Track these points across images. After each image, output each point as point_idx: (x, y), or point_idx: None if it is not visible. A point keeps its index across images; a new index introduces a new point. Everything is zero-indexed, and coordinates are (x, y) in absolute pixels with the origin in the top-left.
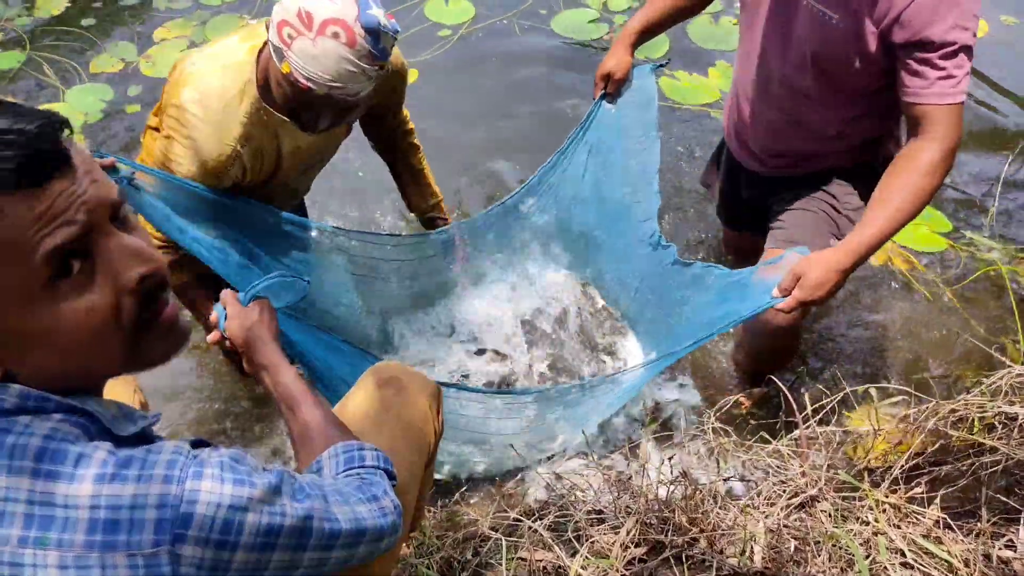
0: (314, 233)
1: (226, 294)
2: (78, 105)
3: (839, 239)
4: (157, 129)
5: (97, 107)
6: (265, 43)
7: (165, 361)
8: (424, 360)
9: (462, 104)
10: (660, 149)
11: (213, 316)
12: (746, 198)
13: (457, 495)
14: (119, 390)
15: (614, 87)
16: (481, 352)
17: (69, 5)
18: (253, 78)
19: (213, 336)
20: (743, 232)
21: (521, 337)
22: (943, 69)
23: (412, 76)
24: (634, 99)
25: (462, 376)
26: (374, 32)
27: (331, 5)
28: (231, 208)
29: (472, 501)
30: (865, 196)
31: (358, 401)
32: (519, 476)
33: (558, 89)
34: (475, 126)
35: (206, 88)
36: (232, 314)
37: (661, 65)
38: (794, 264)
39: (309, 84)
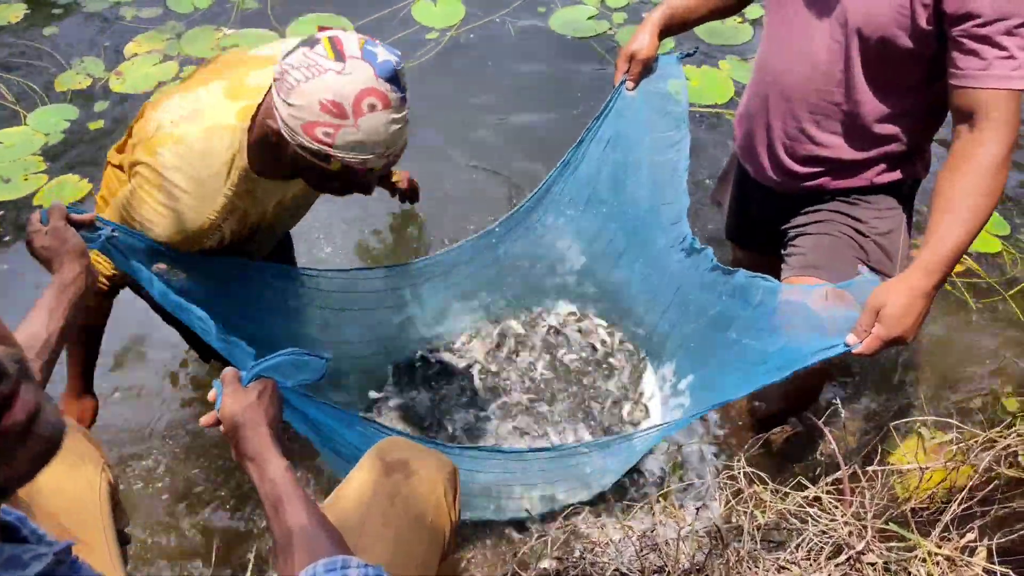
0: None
1: (227, 373)
2: (40, 127)
3: (868, 265)
4: (121, 168)
5: (59, 127)
6: (259, 107)
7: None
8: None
9: (455, 109)
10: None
11: (211, 394)
12: (757, 218)
13: (464, 554)
14: (69, 485)
15: (637, 70)
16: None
17: (28, 12)
18: (244, 146)
19: (207, 419)
20: (753, 252)
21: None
22: (1004, 49)
23: None
24: (660, 89)
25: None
26: (394, 78)
27: (347, 79)
28: (215, 269)
29: (476, 557)
30: (894, 221)
31: (359, 488)
32: (530, 530)
33: (557, 90)
34: (469, 131)
35: (189, 156)
36: (227, 394)
37: (688, 55)
38: (868, 296)
39: (367, 166)
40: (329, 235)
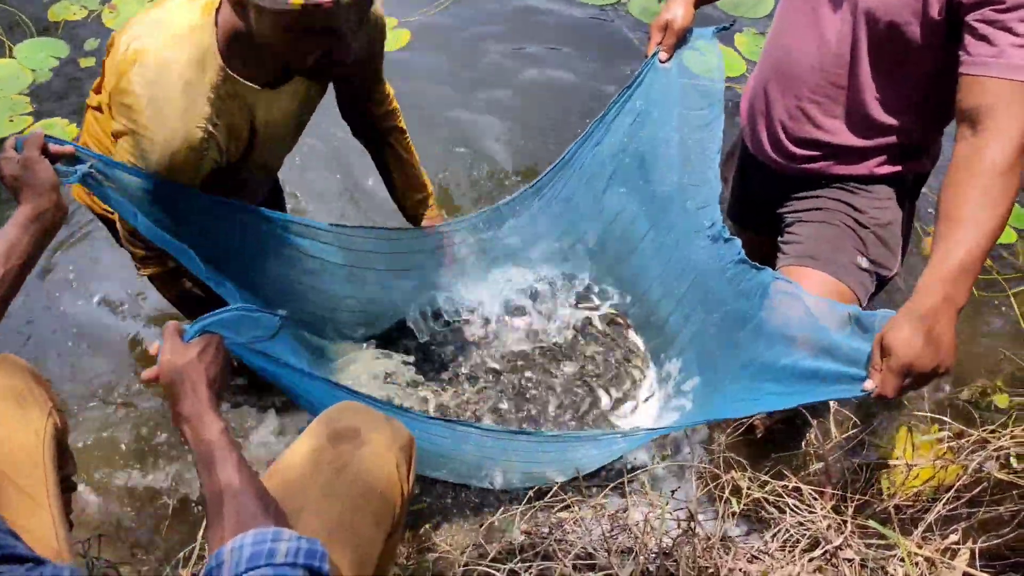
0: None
1: (168, 326)
2: (27, 62)
3: (867, 257)
4: (100, 109)
5: (48, 64)
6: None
7: None
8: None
9: (459, 72)
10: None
11: (154, 347)
12: (755, 197)
13: (429, 524)
14: (11, 426)
15: (672, 41)
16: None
17: None
18: (213, 44)
19: (148, 373)
20: (751, 232)
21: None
22: (1019, 36)
23: (402, 39)
24: (694, 63)
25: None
26: None
27: None
28: (203, 208)
29: (445, 528)
30: (896, 212)
31: (303, 456)
32: (501, 509)
33: (571, 58)
34: (473, 98)
35: (159, 66)
36: (166, 349)
37: (725, 28)
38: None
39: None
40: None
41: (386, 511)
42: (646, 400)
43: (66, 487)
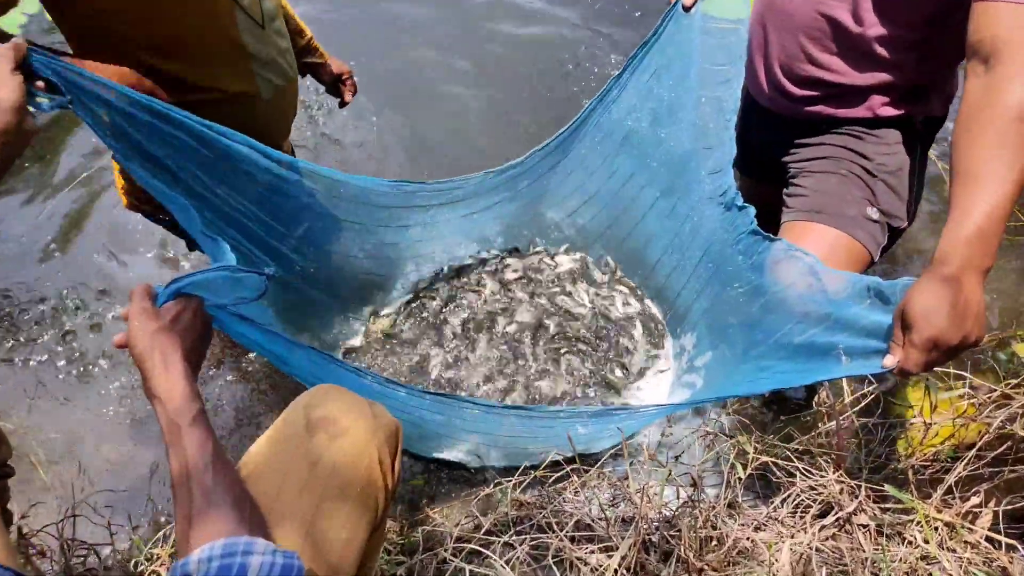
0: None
1: (138, 290)
2: None
3: (878, 208)
4: None
5: (18, 22)
6: None
7: None
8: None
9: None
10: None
11: (124, 311)
12: (755, 143)
13: (424, 499)
14: None
15: None
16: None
17: None
18: None
19: (118, 338)
20: (757, 181)
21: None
22: None
23: None
24: (717, 10)
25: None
26: None
27: None
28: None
29: (439, 504)
30: (904, 158)
31: (276, 448)
32: (496, 482)
33: (576, 7)
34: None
35: None
36: (134, 314)
37: None
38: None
39: None
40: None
41: (367, 506)
42: (661, 372)
43: (2, 473)
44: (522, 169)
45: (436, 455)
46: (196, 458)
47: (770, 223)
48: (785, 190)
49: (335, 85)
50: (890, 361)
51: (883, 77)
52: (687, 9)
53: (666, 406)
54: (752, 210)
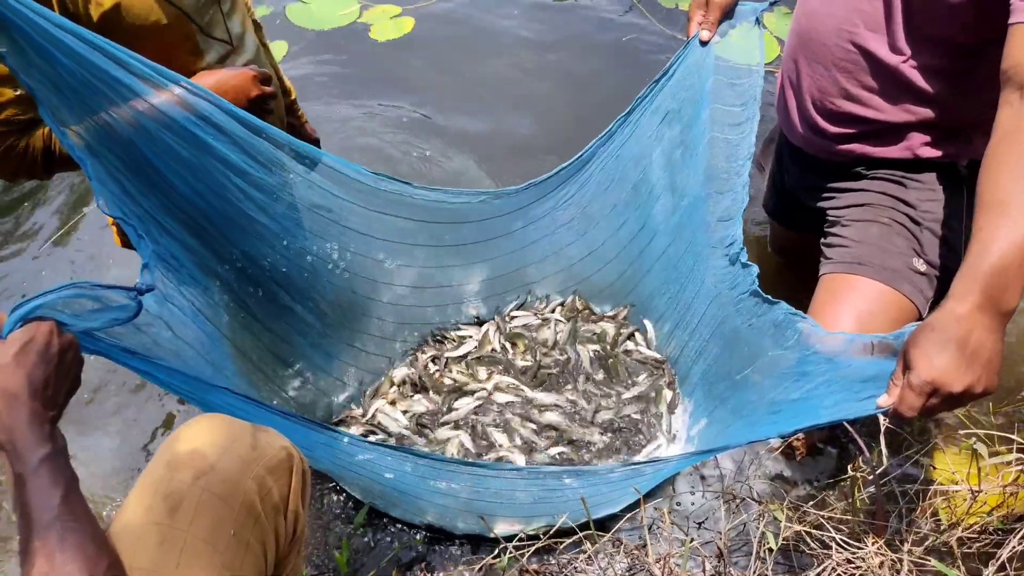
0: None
1: None
2: None
3: (924, 259)
4: None
5: None
6: None
7: None
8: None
9: (468, 66)
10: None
11: None
12: (790, 188)
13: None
14: None
15: (716, 15)
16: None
17: None
18: None
19: None
20: (792, 231)
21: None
22: None
23: (405, 26)
24: (732, 51)
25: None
26: None
27: None
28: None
29: (438, 571)
30: (953, 206)
31: (137, 495)
32: (502, 548)
33: (586, 47)
34: (483, 95)
35: None
36: None
37: (774, 3)
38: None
39: None
40: None
41: (250, 553)
42: (673, 439)
43: None
44: (517, 203)
45: (428, 522)
46: (41, 510)
47: (806, 274)
48: (823, 239)
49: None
50: (884, 401)
51: (922, 113)
52: (704, 43)
53: (660, 461)
54: (755, 269)
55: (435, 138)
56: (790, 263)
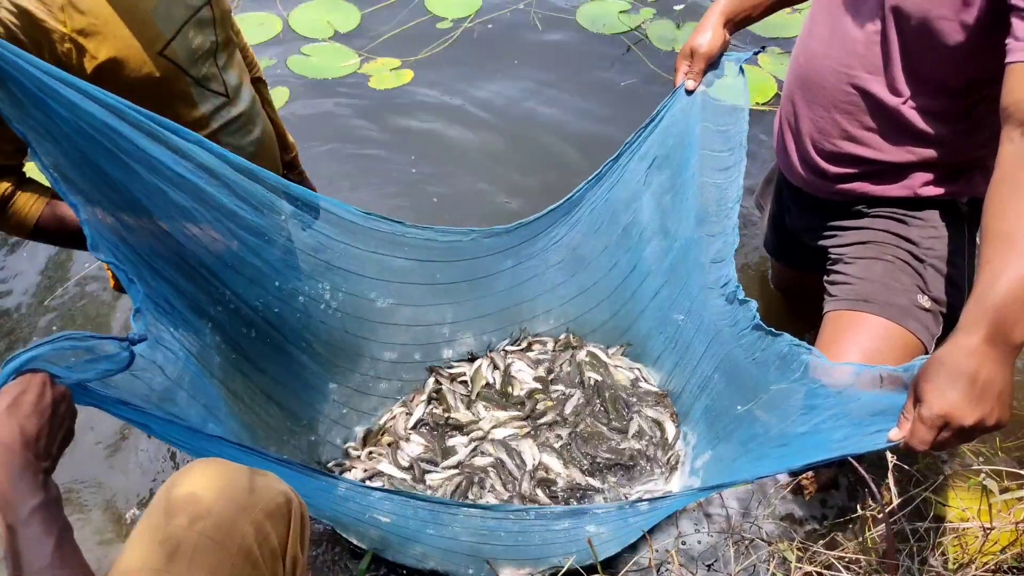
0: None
1: None
2: None
3: (929, 296)
4: None
5: None
6: None
7: None
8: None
9: (464, 114)
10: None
11: None
12: (791, 227)
13: None
14: None
15: (700, 66)
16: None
17: None
18: None
19: None
20: (794, 269)
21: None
22: None
23: (404, 78)
24: (718, 98)
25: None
26: None
27: None
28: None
29: None
30: (955, 243)
31: (134, 542)
32: None
33: (584, 92)
34: (479, 141)
35: None
36: None
37: (756, 53)
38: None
39: None
40: None
41: None
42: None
43: None
44: (507, 243)
45: (431, 567)
46: (32, 561)
47: (809, 311)
48: (826, 277)
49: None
50: (895, 435)
51: (924, 153)
52: (689, 92)
53: (665, 498)
54: (754, 304)
55: (432, 189)
56: (793, 301)
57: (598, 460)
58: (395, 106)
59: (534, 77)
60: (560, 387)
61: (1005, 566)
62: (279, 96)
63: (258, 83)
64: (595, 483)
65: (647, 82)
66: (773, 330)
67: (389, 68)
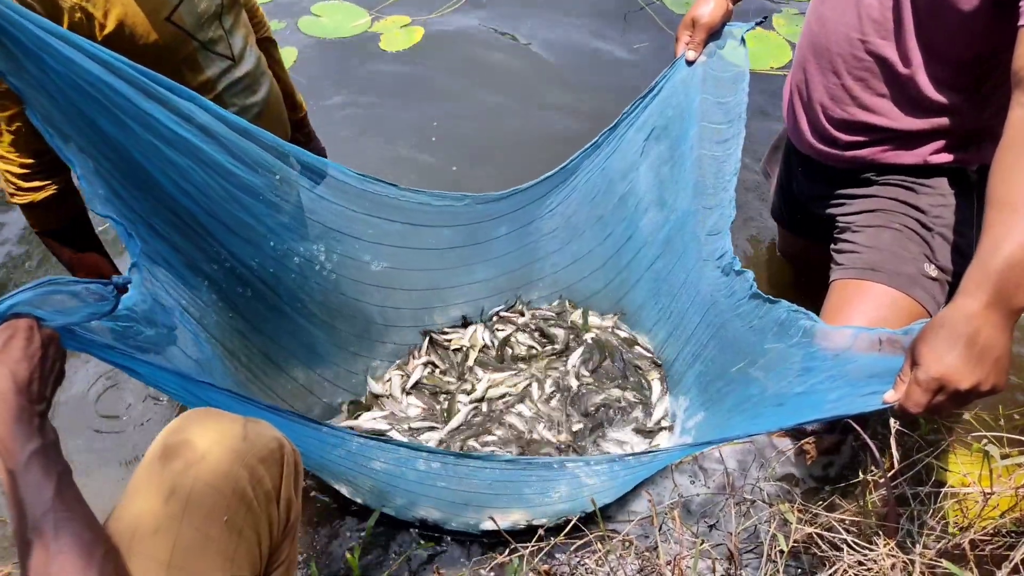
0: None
1: None
2: None
3: (936, 265)
4: None
5: None
6: None
7: None
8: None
9: (475, 71)
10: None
11: None
12: (798, 195)
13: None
14: None
15: (702, 36)
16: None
17: None
18: None
19: None
20: (801, 237)
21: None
22: None
23: (415, 36)
24: (719, 70)
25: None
26: None
27: None
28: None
29: (447, 569)
30: (964, 212)
31: (133, 486)
32: (512, 548)
33: (602, 64)
34: (490, 106)
35: None
36: None
37: (759, 22)
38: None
39: None
40: None
41: (244, 539)
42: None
43: None
44: (501, 209)
45: (421, 517)
46: (34, 505)
47: (815, 279)
48: (833, 246)
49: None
50: (891, 396)
51: (936, 122)
52: (690, 63)
53: (660, 451)
54: (750, 274)
55: (443, 149)
56: (799, 269)
57: (589, 411)
58: (405, 64)
59: (545, 37)
60: (556, 346)
61: (1004, 530)
62: (288, 56)
63: (267, 43)
64: (584, 444)
65: (656, 46)
66: (771, 297)
67: (400, 25)
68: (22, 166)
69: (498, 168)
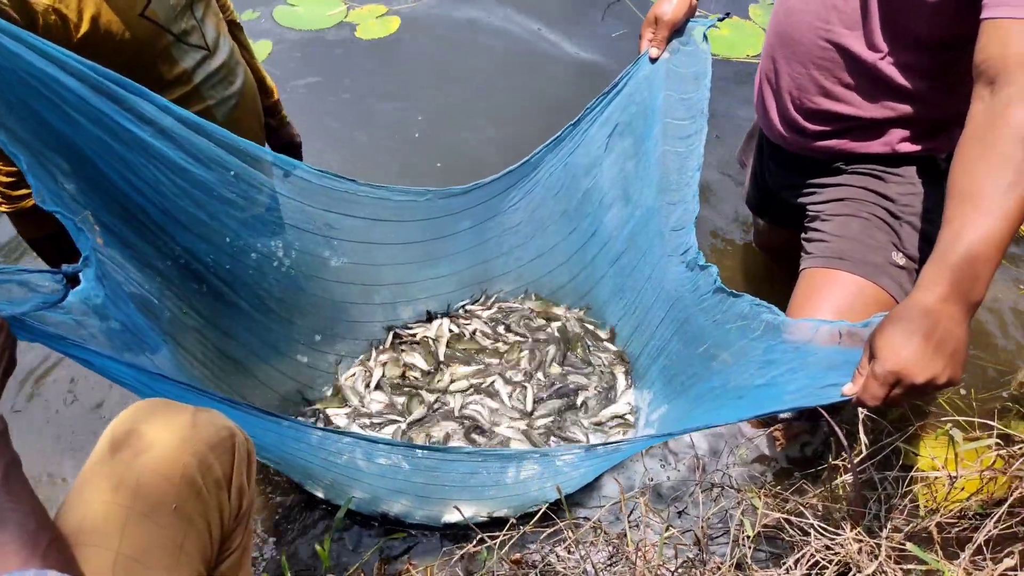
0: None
1: None
2: None
3: (904, 253)
4: None
5: None
6: None
7: None
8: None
9: (451, 60)
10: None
11: None
12: (771, 184)
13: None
14: None
15: (664, 33)
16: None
17: None
18: None
19: None
20: (776, 226)
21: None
22: None
23: (391, 25)
24: (682, 67)
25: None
26: None
27: None
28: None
29: (417, 559)
30: (932, 200)
31: (82, 477)
32: (480, 539)
33: (579, 54)
34: (465, 88)
35: None
36: None
37: (721, 18)
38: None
39: None
40: None
41: (193, 527)
42: (626, 424)
43: None
44: (463, 203)
45: (383, 511)
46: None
47: (791, 269)
48: (803, 235)
49: (284, 150)
50: (849, 390)
51: (902, 109)
52: (653, 60)
53: (623, 442)
54: (715, 269)
55: (418, 139)
56: (775, 259)
57: (552, 403)
58: (381, 53)
59: (522, 24)
60: (519, 337)
61: (970, 512)
62: (263, 47)
63: (233, 27)
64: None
65: (635, 35)
66: (735, 292)
67: (375, 15)
68: (8, 175)
69: (474, 159)
